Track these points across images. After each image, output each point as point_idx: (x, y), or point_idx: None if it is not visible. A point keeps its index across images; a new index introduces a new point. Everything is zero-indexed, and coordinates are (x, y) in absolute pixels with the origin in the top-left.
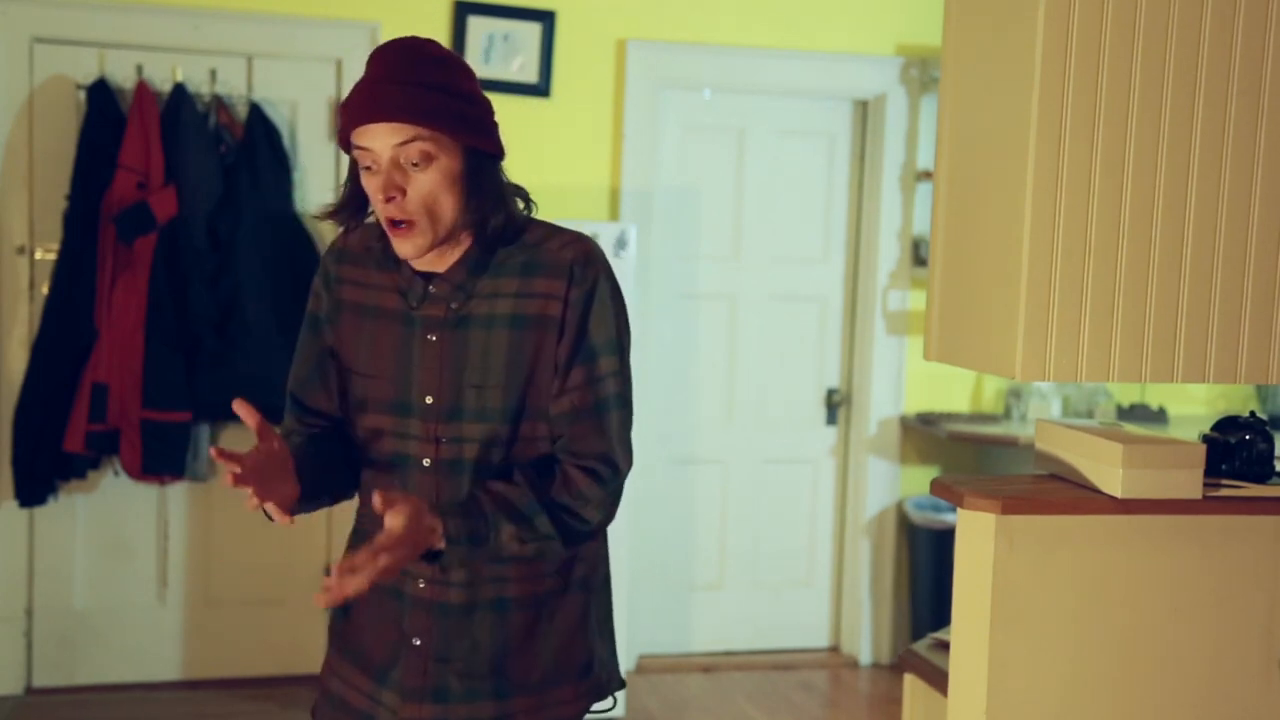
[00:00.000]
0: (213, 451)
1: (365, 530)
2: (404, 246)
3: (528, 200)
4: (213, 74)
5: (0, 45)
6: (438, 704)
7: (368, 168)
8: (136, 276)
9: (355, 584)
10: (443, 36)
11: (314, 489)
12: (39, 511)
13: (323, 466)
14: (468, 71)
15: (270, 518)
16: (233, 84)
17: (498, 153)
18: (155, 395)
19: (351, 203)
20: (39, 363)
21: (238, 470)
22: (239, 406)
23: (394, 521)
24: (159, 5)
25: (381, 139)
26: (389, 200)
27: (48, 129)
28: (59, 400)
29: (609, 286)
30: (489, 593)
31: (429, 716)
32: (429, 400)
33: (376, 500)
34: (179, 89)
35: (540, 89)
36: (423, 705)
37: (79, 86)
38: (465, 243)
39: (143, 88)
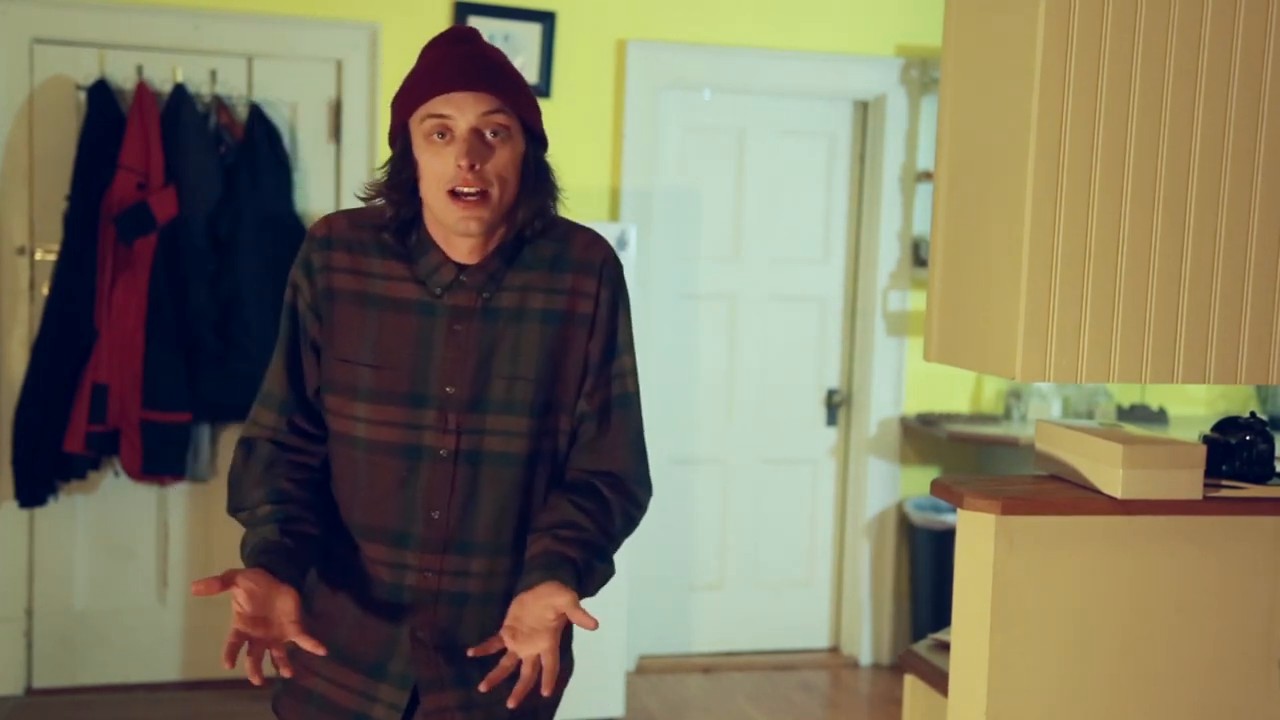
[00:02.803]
0: (196, 588)
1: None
2: (471, 223)
3: (559, 194)
4: (213, 74)
5: (0, 45)
6: (459, 689)
7: (439, 136)
8: (136, 277)
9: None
10: None
11: (304, 575)
12: (39, 512)
13: (310, 548)
14: (508, 59)
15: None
16: (233, 84)
17: (544, 140)
18: (155, 396)
19: (404, 180)
20: (39, 363)
21: (243, 631)
22: (201, 590)
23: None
24: (159, 5)
25: (468, 106)
26: (472, 167)
27: (48, 129)
28: (59, 401)
29: (625, 286)
30: (500, 584)
31: (453, 703)
32: (450, 390)
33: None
34: (179, 89)
35: (540, 89)
36: (444, 694)
37: (79, 87)
38: (499, 232)
39: (143, 88)
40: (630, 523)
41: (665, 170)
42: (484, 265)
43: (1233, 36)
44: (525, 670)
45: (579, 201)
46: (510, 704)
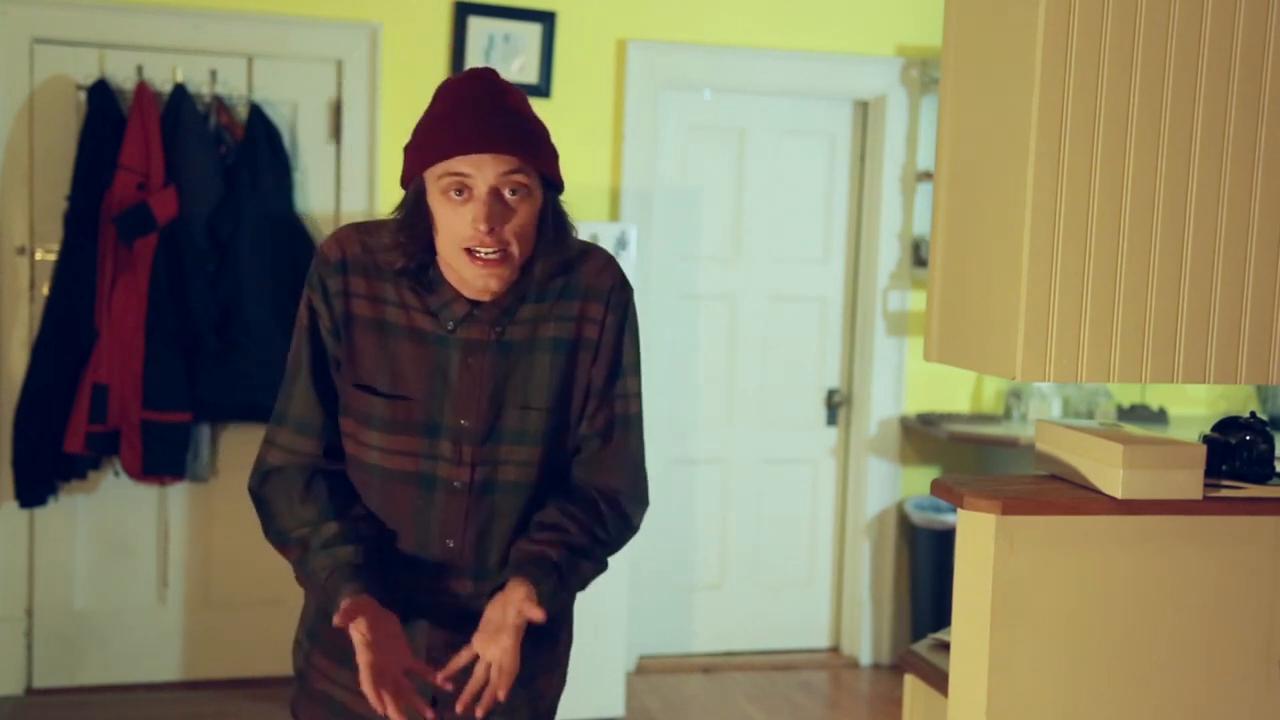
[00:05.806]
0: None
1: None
2: (491, 280)
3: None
4: (213, 74)
5: (0, 45)
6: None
7: (456, 194)
8: (137, 277)
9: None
10: (443, 37)
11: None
12: (39, 512)
13: (382, 566)
14: (528, 101)
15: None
16: (233, 84)
17: (562, 185)
18: (155, 396)
19: (420, 234)
20: (39, 363)
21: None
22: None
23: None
24: (159, 5)
25: (488, 167)
26: (491, 230)
27: (48, 129)
28: (59, 401)
29: (634, 309)
30: None
31: None
32: (464, 423)
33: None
34: (179, 89)
35: (540, 89)
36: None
37: (79, 87)
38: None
39: (143, 88)
40: (620, 535)
41: (665, 170)
42: (498, 301)
43: (1233, 36)
44: (478, 670)
45: (579, 201)
46: (459, 707)
